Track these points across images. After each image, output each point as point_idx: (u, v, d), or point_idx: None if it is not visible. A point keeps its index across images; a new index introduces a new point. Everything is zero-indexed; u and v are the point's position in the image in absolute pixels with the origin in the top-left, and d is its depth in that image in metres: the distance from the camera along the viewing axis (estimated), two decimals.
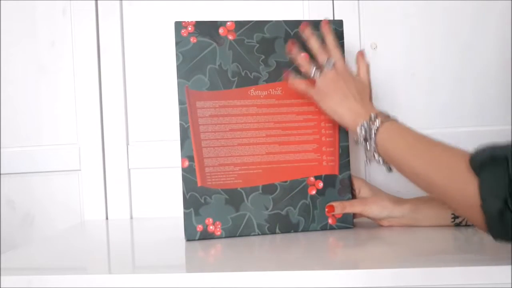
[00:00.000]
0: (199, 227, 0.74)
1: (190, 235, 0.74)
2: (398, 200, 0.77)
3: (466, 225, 0.75)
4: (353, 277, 0.54)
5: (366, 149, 0.69)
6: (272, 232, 0.76)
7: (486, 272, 0.52)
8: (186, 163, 0.74)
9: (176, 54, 0.75)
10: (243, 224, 0.75)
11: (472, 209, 0.54)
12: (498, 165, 0.53)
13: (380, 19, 0.94)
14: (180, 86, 0.75)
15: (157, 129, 0.97)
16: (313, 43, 0.75)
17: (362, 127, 0.69)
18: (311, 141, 0.78)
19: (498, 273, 0.52)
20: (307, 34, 0.76)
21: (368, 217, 0.78)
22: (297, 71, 0.77)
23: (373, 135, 0.68)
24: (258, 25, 0.77)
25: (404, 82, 0.94)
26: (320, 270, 0.54)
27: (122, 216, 0.97)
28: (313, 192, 0.77)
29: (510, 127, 0.89)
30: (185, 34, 0.76)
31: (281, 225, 0.76)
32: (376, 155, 0.68)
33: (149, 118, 0.98)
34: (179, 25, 0.76)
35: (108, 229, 0.90)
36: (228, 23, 0.77)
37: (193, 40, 0.76)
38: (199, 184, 0.74)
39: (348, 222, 0.78)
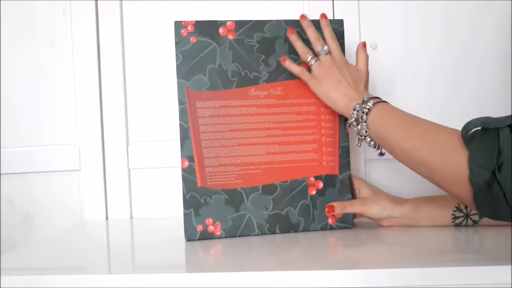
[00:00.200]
0: (199, 227, 0.74)
1: (190, 235, 0.74)
2: (398, 200, 0.77)
3: (466, 225, 0.75)
4: (353, 277, 0.54)
5: (357, 131, 0.70)
6: (272, 232, 0.76)
7: (486, 272, 0.52)
8: (186, 163, 0.74)
9: (176, 54, 0.75)
10: (243, 224, 0.75)
11: (461, 185, 0.55)
12: (488, 137, 0.53)
13: (380, 19, 0.94)
14: (180, 86, 0.75)
15: (157, 129, 0.97)
16: (310, 33, 0.76)
17: (354, 110, 0.70)
18: (311, 141, 0.78)
19: (498, 273, 0.52)
20: (305, 24, 0.76)
21: (368, 217, 0.78)
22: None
23: (364, 116, 0.68)
24: (258, 25, 0.77)
25: (404, 82, 0.94)
26: (320, 270, 0.54)
27: (122, 216, 0.97)
28: (313, 192, 0.77)
29: None
30: (185, 34, 0.76)
31: (281, 225, 0.76)
32: (368, 138, 0.69)
33: (149, 118, 0.98)
34: (179, 25, 0.76)
35: (108, 229, 0.90)
36: (228, 22, 0.77)
37: (193, 40, 0.76)
38: (199, 184, 0.74)
39: (348, 222, 0.78)
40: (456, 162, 0.55)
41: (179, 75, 0.75)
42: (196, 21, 0.76)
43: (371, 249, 0.68)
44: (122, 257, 0.69)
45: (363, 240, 0.72)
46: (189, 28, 0.76)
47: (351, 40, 0.93)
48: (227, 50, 0.76)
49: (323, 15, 0.77)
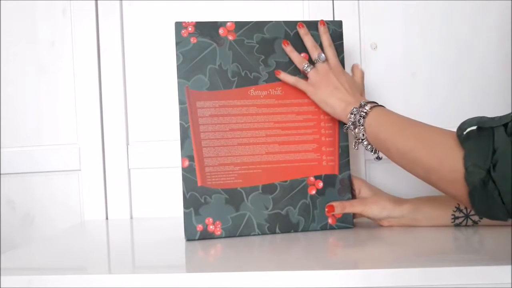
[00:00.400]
0: (199, 227, 0.74)
1: (190, 235, 0.74)
2: (398, 200, 0.77)
3: (466, 225, 0.75)
4: (353, 277, 0.54)
5: (355, 134, 0.71)
6: (272, 232, 0.76)
7: (486, 272, 0.52)
8: (186, 163, 0.74)
9: (177, 54, 0.75)
10: (243, 224, 0.75)
11: (457, 184, 0.55)
12: (483, 136, 0.53)
13: (380, 19, 0.94)
14: (180, 86, 0.75)
15: (157, 129, 0.97)
16: (307, 40, 0.77)
17: (352, 114, 0.71)
18: (311, 141, 0.78)
19: (498, 273, 0.52)
20: (302, 32, 0.78)
21: (368, 217, 0.78)
22: (297, 70, 0.78)
23: (362, 120, 0.69)
24: (258, 26, 0.78)
25: (404, 82, 0.94)
26: (320, 270, 0.54)
27: (122, 216, 0.97)
28: (313, 192, 0.77)
29: None
30: (185, 35, 0.76)
31: (281, 225, 0.76)
32: (365, 141, 0.70)
33: (149, 118, 0.98)
34: (179, 26, 0.76)
35: (108, 229, 0.90)
36: (228, 23, 0.77)
37: (193, 40, 0.76)
38: (199, 184, 0.74)
39: (348, 222, 0.78)
40: (452, 162, 0.56)
41: (180, 75, 0.75)
42: (197, 22, 0.76)
43: (371, 249, 0.68)
44: (122, 257, 0.69)
45: (363, 240, 0.72)
46: (190, 29, 0.76)
47: (351, 40, 0.93)
48: (227, 51, 0.76)
49: (322, 22, 0.78)
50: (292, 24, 0.78)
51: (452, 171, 0.56)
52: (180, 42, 0.76)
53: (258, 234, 0.75)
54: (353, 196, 0.79)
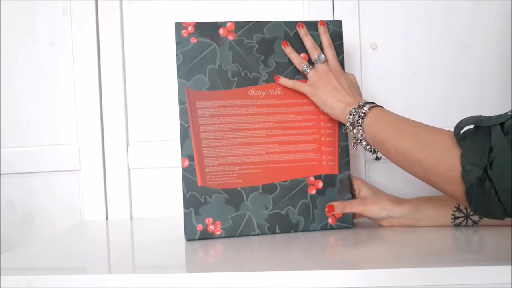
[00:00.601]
0: (199, 227, 0.74)
1: (190, 235, 0.74)
2: (398, 200, 0.77)
3: (466, 225, 0.75)
4: (353, 277, 0.54)
5: (353, 135, 0.71)
6: (272, 231, 0.76)
7: (486, 272, 0.52)
8: (186, 163, 0.74)
9: (177, 55, 0.75)
10: (243, 224, 0.75)
11: (454, 183, 0.55)
12: (480, 135, 0.54)
13: (380, 19, 0.94)
14: (180, 86, 0.75)
15: (157, 129, 0.97)
16: (307, 41, 0.77)
17: (350, 114, 0.71)
18: (311, 141, 0.78)
19: (498, 273, 0.52)
20: (302, 33, 0.78)
21: (368, 217, 0.78)
22: (297, 71, 0.78)
23: (360, 120, 0.70)
24: (257, 26, 0.78)
25: (404, 81, 0.94)
26: (320, 270, 0.54)
27: (122, 216, 0.97)
28: (313, 191, 0.77)
29: None
30: (185, 35, 0.76)
31: (281, 224, 0.76)
32: (363, 142, 0.70)
33: (149, 118, 0.98)
34: (179, 26, 0.76)
35: (108, 229, 0.90)
36: (228, 23, 0.77)
37: (193, 40, 0.76)
38: (199, 184, 0.74)
39: (348, 222, 0.78)
40: (449, 160, 0.56)
41: (180, 75, 0.75)
42: (197, 22, 0.76)
43: (371, 249, 0.68)
44: (122, 257, 0.69)
45: (363, 240, 0.72)
46: (190, 29, 0.76)
47: (351, 40, 0.93)
48: (227, 51, 0.76)
49: (322, 22, 0.78)
50: (292, 24, 0.78)
51: (450, 170, 0.56)
52: (180, 42, 0.76)
53: (258, 234, 0.76)
54: (353, 196, 0.79)
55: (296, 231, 0.77)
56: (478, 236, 0.70)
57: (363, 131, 0.70)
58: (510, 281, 0.52)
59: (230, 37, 0.77)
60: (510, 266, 0.52)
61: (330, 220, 0.78)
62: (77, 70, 0.98)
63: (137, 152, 0.97)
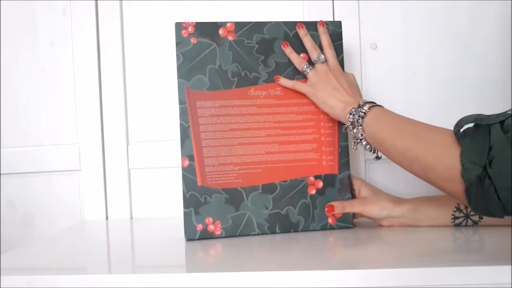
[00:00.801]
0: (199, 227, 0.74)
1: (190, 235, 0.74)
2: (398, 200, 0.77)
3: (466, 225, 0.75)
4: (353, 277, 0.54)
5: (353, 134, 0.72)
6: (272, 231, 0.76)
7: (486, 272, 0.52)
8: (186, 163, 0.74)
9: (177, 55, 0.75)
10: (243, 224, 0.75)
11: (454, 181, 0.56)
12: (480, 133, 0.54)
13: (380, 19, 0.94)
14: (180, 86, 0.75)
15: (157, 129, 0.97)
16: (307, 41, 0.78)
17: (350, 114, 0.71)
18: (311, 140, 0.78)
19: (498, 273, 0.52)
20: (302, 33, 0.78)
21: (368, 217, 0.78)
22: (297, 71, 0.78)
23: (360, 120, 0.70)
24: (257, 26, 0.78)
25: (404, 82, 0.94)
26: (320, 270, 0.54)
27: (122, 216, 0.97)
28: (313, 191, 0.77)
29: None
30: (185, 35, 0.76)
31: (281, 224, 0.76)
32: (363, 141, 0.70)
33: (149, 118, 0.98)
34: (179, 26, 0.76)
35: (108, 229, 0.90)
36: (228, 24, 0.77)
37: (193, 40, 0.76)
38: (199, 184, 0.74)
39: (348, 222, 0.78)
40: (449, 159, 0.56)
41: (180, 75, 0.75)
42: (197, 23, 0.76)
43: (371, 249, 0.68)
44: (122, 257, 0.69)
45: (363, 240, 0.72)
46: (190, 29, 0.76)
47: (351, 40, 0.93)
48: (227, 51, 0.77)
49: (321, 23, 0.78)
50: (292, 25, 0.78)
51: (449, 168, 0.56)
52: (180, 42, 0.76)
53: (258, 234, 0.76)
54: (353, 196, 0.79)
55: (296, 231, 0.77)
56: (478, 236, 0.70)
57: (363, 130, 0.70)
58: (510, 281, 0.52)
59: (230, 37, 0.77)
60: (510, 266, 0.52)
61: (330, 220, 0.78)
62: (77, 70, 0.98)
63: (137, 152, 0.97)
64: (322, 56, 0.76)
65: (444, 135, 0.59)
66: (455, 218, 0.75)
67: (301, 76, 0.78)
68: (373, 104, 0.71)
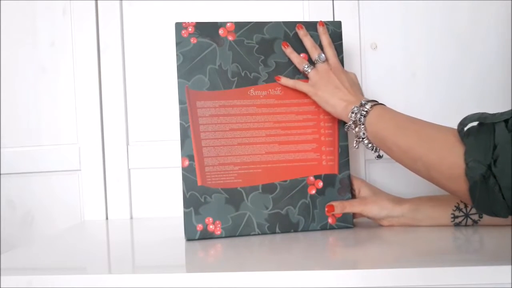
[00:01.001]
0: (199, 227, 0.74)
1: (190, 235, 0.74)
2: (398, 200, 0.77)
3: (466, 225, 0.75)
4: (353, 277, 0.54)
5: (355, 133, 0.71)
6: (272, 231, 0.76)
7: (486, 272, 0.52)
8: (186, 163, 0.74)
9: (177, 55, 0.75)
10: (243, 224, 0.75)
11: (458, 180, 0.55)
12: (484, 132, 0.54)
13: (380, 19, 0.94)
14: (180, 86, 0.75)
15: (157, 129, 0.97)
16: (307, 41, 0.78)
17: (352, 113, 0.71)
18: (311, 140, 0.78)
19: (498, 273, 0.52)
20: (302, 33, 0.78)
21: (368, 217, 0.78)
22: (297, 71, 0.78)
23: (362, 119, 0.69)
24: (257, 26, 0.78)
25: (404, 82, 0.94)
26: (320, 270, 0.54)
27: (122, 216, 0.97)
28: (313, 191, 0.77)
29: None
30: (185, 35, 0.76)
31: (281, 224, 0.76)
32: (365, 140, 0.70)
33: (149, 118, 0.98)
34: (179, 26, 0.76)
35: (108, 229, 0.90)
36: (228, 24, 0.77)
37: (193, 40, 0.76)
38: (199, 184, 0.74)
39: (348, 222, 0.78)
40: (453, 157, 0.56)
41: (180, 75, 0.75)
42: (197, 23, 0.76)
43: (371, 249, 0.68)
44: (122, 257, 0.69)
45: (363, 240, 0.72)
46: (190, 29, 0.76)
47: (351, 40, 0.93)
48: (227, 51, 0.77)
49: (321, 23, 0.78)
50: (292, 25, 0.78)
51: (453, 167, 0.56)
52: (180, 42, 0.76)
53: (258, 234, 0.76)
54: (353, 196, 0.79)
55: (296, 231, 0.77)
56: (478, 236, 0.70)
57: (365, 129, 0.70)
58: (510, 281, 0.52)
59: (230, 37, 0.77)
60: (510, 266, 0.52)
61: (330, 220, 0.78)
62: (77, 70, 0.98)
63: (137, 152, 0.97)
64: (323, 55, 0.76)
65: (448, 133, 0.59)
66: (455, 217, 0.75)
67: (302, 76, 0.78)
68: (375, 103, 0.71)
